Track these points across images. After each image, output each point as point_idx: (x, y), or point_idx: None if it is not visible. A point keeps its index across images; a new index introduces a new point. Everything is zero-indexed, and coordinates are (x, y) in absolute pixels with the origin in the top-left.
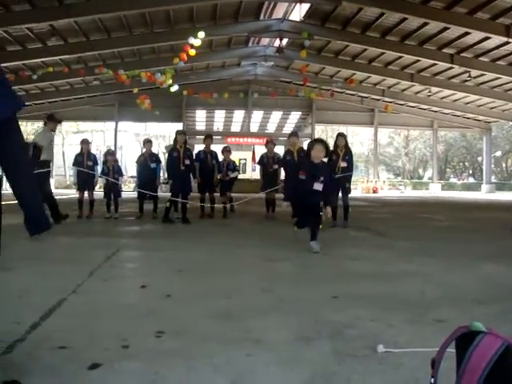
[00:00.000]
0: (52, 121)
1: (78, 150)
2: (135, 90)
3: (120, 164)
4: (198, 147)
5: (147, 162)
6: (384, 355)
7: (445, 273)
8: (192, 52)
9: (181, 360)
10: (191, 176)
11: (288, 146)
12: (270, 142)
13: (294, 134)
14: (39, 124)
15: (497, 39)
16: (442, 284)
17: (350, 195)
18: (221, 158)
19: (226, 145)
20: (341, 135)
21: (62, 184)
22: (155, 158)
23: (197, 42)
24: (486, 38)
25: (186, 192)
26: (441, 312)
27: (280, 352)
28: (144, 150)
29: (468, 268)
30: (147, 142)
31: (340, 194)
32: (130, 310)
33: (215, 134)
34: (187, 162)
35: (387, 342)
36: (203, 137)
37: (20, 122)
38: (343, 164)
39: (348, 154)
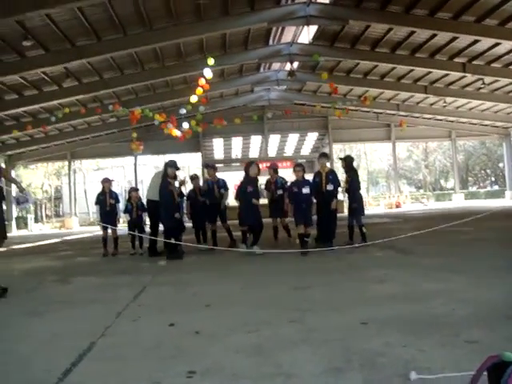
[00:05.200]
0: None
1: (98, 187)
2: (157, 121)
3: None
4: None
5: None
6: (417, 382)
7: (473, 289)
8: (207, 86)
9: None
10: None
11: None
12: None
13: (322, 155)
14: (59, 164)
15: (507, 44)
16: (471, 301)
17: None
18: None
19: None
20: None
21: (85, 221)
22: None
23: (209, 75)
24: (497, 44)
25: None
26: (471, 332)
27: None
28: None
29: (495, 283)
30: (195, 179)
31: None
32: (160, 350)
33: (234, 161)
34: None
35: (420, 368)
36: (221, 165)
37: (41, 164)
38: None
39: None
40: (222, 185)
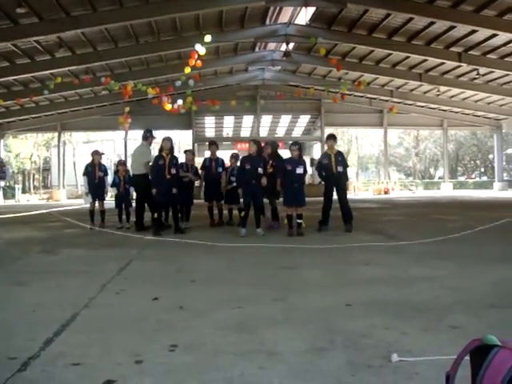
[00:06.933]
0: (152, 136)
1: (88, 159)
2: (151, 95)
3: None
4: (208, 154)
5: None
6: (398, 365)
7: (459, 276)
8: (199, 63)
9: (194, 374)
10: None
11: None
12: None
13: (331, 136)
14: (49, 135)
15: (504, 36)
16: (456, 288)
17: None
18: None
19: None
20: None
21: (73, 194)
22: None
23: (202, 51)
24: (494, 36)
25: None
26: (455, 318)
27: (294, 364)
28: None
29: (482, 271)
30: (188, 152)
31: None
32: (143, 323)
33: (224, 140)
34: (173, 170)
35: (401, 351)
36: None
37: (31, 134)
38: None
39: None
40: (220, 164)
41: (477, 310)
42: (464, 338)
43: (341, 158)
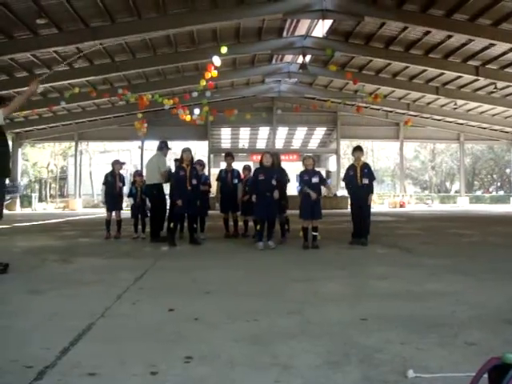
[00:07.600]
0: (167, 147)
1: (104, 169)
2: (167, 105)
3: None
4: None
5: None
6: (414, 381)
7: (475, 291)
8: (214, 73)
9: None
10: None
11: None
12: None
13: (357, 148)
14: (66, 144)
15: None
16: (472, 303)
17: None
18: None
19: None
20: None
21: (89, 203)
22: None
23: (217, 62)
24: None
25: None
26: (472, 334)
27: (309, 378)
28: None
29: (498, 286)
30: (197, 163)
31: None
32: (159, 334)
33: (240, 151)
34: (194, 181)
35: (417, 367)
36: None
37: (48, 143)
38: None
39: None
40: (236, 175)
41: (493, 325)
42: (480, 354)
43: (367, 170)
